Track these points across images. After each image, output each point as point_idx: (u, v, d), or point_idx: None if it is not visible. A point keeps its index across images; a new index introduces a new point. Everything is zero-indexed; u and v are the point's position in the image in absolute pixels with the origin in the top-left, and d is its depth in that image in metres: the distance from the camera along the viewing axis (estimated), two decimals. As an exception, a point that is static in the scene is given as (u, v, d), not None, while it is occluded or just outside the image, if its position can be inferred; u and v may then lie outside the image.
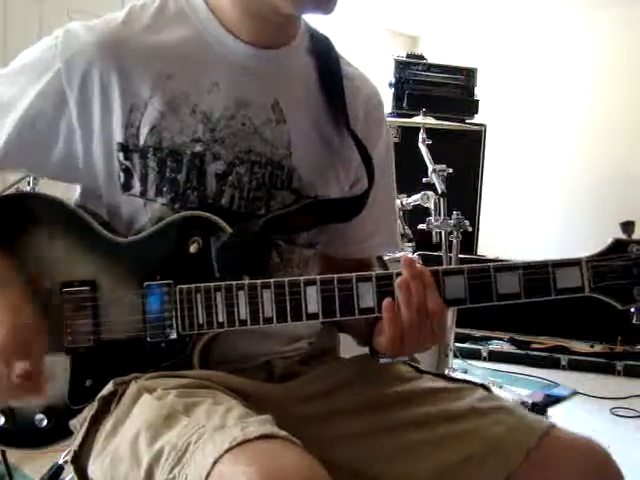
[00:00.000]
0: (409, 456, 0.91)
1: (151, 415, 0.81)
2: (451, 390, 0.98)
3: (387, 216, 1.14)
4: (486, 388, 1.00)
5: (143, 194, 0.95)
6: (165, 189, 0.94)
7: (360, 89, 1.06)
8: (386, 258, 1.47)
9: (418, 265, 0.87)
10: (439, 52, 5.03)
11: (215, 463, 0.69)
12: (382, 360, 0.96)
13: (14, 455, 1.73)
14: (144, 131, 0.93)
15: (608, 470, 0.88)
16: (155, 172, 0.94)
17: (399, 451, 0.91)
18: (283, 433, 0.72)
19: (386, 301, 0.87)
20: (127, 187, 0.95)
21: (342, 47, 1.08)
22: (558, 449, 0.88)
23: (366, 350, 1.01)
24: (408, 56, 4.22)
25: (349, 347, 1.10)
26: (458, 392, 0.97)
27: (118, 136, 0.93)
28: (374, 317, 0.92)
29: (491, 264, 0.88)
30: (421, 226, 2.59)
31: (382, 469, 0.90)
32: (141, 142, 0.93)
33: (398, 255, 2.26)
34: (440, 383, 1.00)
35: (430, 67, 4.14)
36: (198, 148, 0.94)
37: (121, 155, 0.94)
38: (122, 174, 0.95)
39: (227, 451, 0.69)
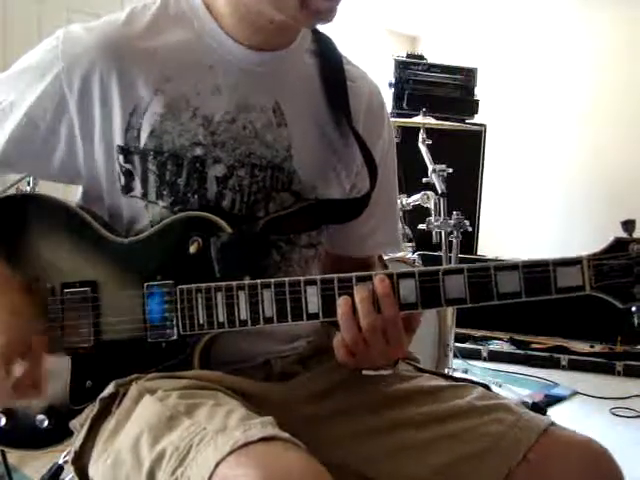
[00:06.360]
0: (409, 455, 0.91)
1: (153, 416, 0.81)
2: (450, 389, 0.98)
3: (388, 215, 1.14)
4: (486, 387, 1.00)
5: (144, 196, 0.95)
6: (165, 192, 0.94)
7: (362, 88, 1.06)
8: (386, 258, 1.47)
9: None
10: (439, 52, 5.02)
11: (217, 465, 0.69)
12: (364, 372, 0.93)
13: (14, 455, 1.73)
14: (144, 134, 0.93)
15: (608, 468, 0.87)
16: (155, 175, 0.94)
17: (398, 450, 0.91)
18: (285, 435, 0.72)
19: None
20: (128, 189, 0.95)
21: (342, 47, 1.07)
22: (557, 447, 0.88)
23: None
24: (408, 56, 4.22)
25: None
26: (457, 390, 0.97)
27: (118, 139, 0.93)
28: None
29: (491, 263, 0.87)
30: (421, 226, 2.59)
31: (382, 468, 0.91)
32: (141, 145, 0.93)
33: (398, 255, 2.27)
34: (439, 382, 1.00)
35: (430, 67, 4.14)
36: (198, 152, 0.94)
37: (121, 158, 0.94)
38: (123, 176, 0.94)
39: (229, 453, 0.69)
